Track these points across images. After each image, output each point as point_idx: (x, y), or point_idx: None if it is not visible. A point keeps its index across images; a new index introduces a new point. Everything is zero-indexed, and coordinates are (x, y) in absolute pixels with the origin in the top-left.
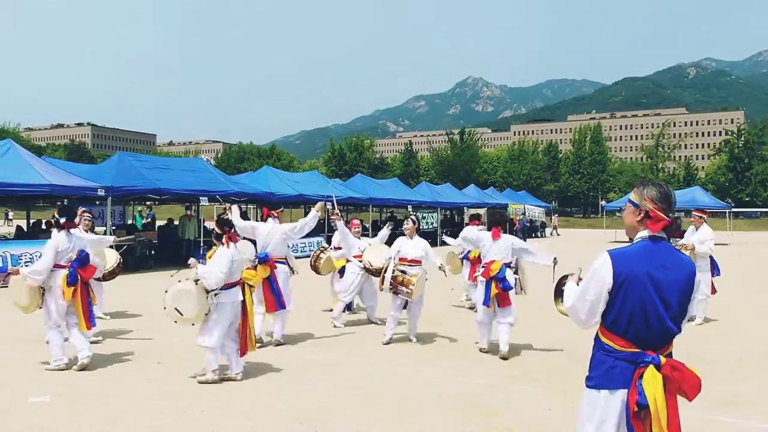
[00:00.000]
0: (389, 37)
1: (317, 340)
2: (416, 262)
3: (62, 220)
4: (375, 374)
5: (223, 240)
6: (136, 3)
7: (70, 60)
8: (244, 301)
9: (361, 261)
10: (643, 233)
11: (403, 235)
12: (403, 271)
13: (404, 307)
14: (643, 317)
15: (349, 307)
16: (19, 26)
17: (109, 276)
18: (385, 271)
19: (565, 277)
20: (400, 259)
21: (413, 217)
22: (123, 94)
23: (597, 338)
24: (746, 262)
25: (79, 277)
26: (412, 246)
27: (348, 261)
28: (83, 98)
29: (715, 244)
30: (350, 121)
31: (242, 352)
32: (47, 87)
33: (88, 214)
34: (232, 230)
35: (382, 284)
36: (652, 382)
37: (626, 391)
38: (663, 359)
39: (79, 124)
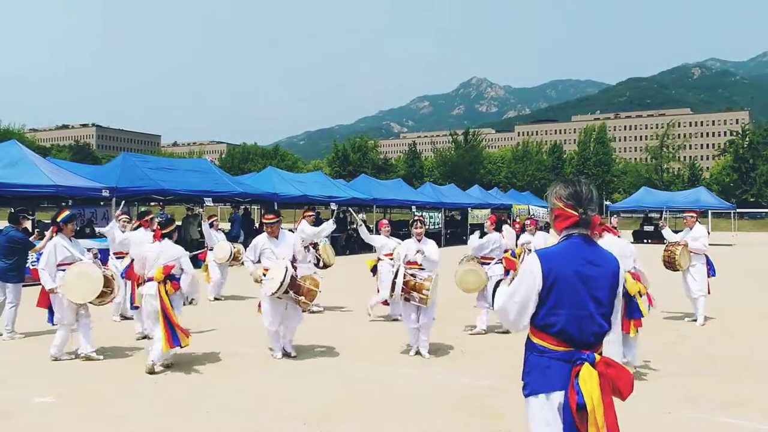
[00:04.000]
0: (393, 38)
1: (322, 342)
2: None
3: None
4: (380, 376)
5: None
6: (139, 4)
7: (74, 61)
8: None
9: (391, 259)
10: (570, 231)
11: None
12: (413, 275)
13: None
14: (576, 315)
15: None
16: (23, 27)
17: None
18: (396, 277)
19: (499, 283)
20: (408, 263)
21: (422, 219)
22: (127, 95)
23: (529, 341)
24: (750, 263)
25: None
26: (420, 249)
27: (379, 260)
28: (88, 99)
29: (719, 245)
30: (354, 121)
31: (168, 345)
32: (52, 88)
33: (126, 216)
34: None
35: (392, 292)
36: (588, 379)
37: (562, 392)
38: (597, 356)
39: (84, 125)
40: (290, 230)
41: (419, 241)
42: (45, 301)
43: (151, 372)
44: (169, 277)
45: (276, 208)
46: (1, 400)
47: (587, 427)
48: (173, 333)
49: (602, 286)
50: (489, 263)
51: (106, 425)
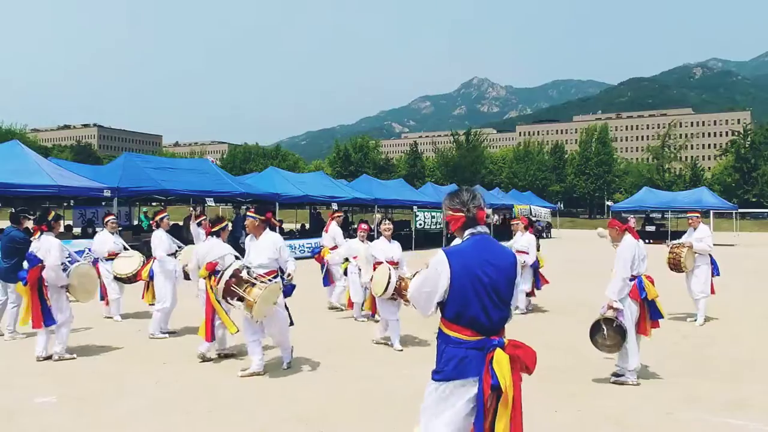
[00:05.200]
0: (394, 38)
1: (323, 342)
2: (396, 264)
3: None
4: (381, 376)
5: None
6: (141, 5)
7: (76, 61)
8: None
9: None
10: (470, 231)
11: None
12: (401, 277)
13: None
14: (483, 306)
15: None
16: (25, 28)
17: (134, 279)
18: (390, 279)
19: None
20: (389, 262)
21: (391, 218)
22: (129, 96)
23: (443, 334)
24: (751, 264)
25: (26, 277)
26: (392, 248)
27: (348, 261)
28: (89, 99)
29: (721, 245)
30: (355, 122)
31: (207, 337)
32: (53, 88)
33: (113, 216)
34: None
35: (384, 291)
36: (501, 363)
37: (476, 378)
38: (506, 340)
39: (86, 125)
40: (292, 230)
41: (389, 241)
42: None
43: (203, 359)
44: (214, 273)
45: (277, 207)
46: (3, 400)
47: (495, 406)
48: (213, 327)
49: (502, 277)
50: None
51: (108, 425)
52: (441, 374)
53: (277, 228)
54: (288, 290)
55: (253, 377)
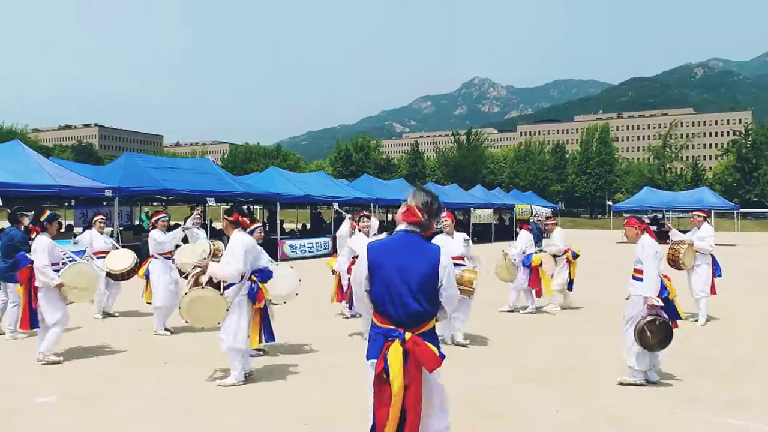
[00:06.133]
0: (395, 38)
1: (324, 342)
2: None
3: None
4: None
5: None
6: (141, 4)
7: (76, 61)
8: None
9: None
10: (400, 228)
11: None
12: None
13: None
14: (390, 298)
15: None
16: (26, 27)
17: (127, 275)
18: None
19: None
20: None
21: (368, 214)
22: (130, 96)
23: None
24: (753, 264)
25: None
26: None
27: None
28: (90, 99)
29: (722, 245)
30: (356, 121)
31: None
32: (54, 88)
33: (102, 216)
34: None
35: None
36: (393, 353)
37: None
38: (408, 335)
39: (87, 125)
40: (293, 230)
41: (367, 235)
42: (35, 301)
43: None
44: None
45: (278, 207)
46: (3, 400)
47: (388, 391)
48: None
49: (415, 274)
50: (463, 264)
51: (108, 425)
52: (367, 352)
53: (280, 228)
54: (251, 294)
55: (252, 378)
